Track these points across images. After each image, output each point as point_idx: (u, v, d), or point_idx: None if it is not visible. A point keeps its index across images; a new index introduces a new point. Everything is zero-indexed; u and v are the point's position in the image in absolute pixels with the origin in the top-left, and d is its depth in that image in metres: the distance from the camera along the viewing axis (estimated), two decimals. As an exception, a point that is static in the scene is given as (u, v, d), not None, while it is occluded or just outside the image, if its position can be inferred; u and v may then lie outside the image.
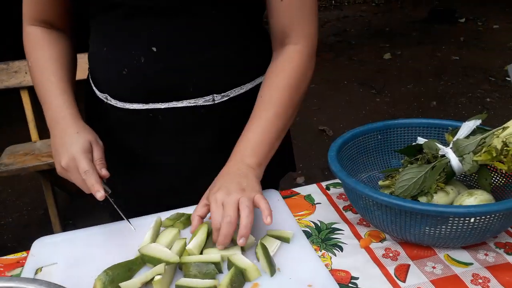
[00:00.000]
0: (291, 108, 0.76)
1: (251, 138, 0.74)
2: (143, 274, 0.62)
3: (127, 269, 0.65)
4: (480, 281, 0.59)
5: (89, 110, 0.90)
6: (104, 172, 0.71)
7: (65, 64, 0.82)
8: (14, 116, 2.65)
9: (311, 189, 0.86)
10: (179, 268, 0.65)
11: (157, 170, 0.85)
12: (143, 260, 0.66)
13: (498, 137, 0.66)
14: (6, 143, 2.22)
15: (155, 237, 0.72)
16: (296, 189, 0.86)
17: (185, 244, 0.69)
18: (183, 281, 0.61)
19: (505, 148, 0.64)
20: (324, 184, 0.87)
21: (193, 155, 0.83)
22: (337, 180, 0.86)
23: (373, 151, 0.84)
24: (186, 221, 0.75)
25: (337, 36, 6.26)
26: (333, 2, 10.22)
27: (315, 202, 0.81)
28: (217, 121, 0.81)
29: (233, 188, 0.67)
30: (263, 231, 0.71)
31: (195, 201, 0.73)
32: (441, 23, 6.73)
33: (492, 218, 0.59)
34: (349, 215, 0.77)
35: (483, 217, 0.58)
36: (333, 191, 0.85)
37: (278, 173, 0.97)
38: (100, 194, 0.68)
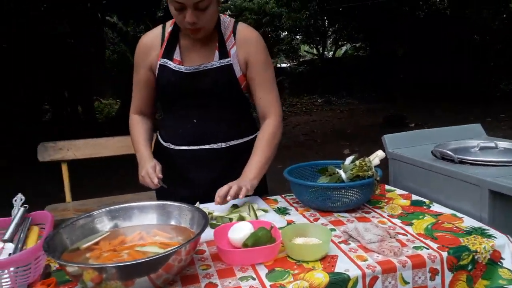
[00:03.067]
0: (273, 150, 1.55)
1: (253, 164, 1.51)
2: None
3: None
4: (350, 221, 1.33)
5: (156, 150, 1.67)
6: (159, 175, 1.46)
7: (148, 134, 1.64)
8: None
9: (277, 197, 1.60)
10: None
11: (191, 183, 1.60)
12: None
13: (359, 160, 1.45)
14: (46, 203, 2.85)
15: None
16: (269, 197, 1.61)
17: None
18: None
19: (361, 164, 1.42)
20: (284, 195, 1.62)
21: (210, 175, 1.59)
22: (291, 193, 1.61)
23: (309, 174, 1.61)
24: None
25: (305, 135, 7.33)
26: (303, 109, 11.64)
27: (278, 201, 1.56)
28: (223, 158, 1.59)
29: (244, 184, 1.41)
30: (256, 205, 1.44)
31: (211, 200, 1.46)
32: (393, 127, 7.90)
33: (353, 190, 1.35)
34: (295, 204, 1.51)
35: (347, 189, 1.34)
36: (288, 197, 1.59)
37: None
38: (155, 181, 1.43)
